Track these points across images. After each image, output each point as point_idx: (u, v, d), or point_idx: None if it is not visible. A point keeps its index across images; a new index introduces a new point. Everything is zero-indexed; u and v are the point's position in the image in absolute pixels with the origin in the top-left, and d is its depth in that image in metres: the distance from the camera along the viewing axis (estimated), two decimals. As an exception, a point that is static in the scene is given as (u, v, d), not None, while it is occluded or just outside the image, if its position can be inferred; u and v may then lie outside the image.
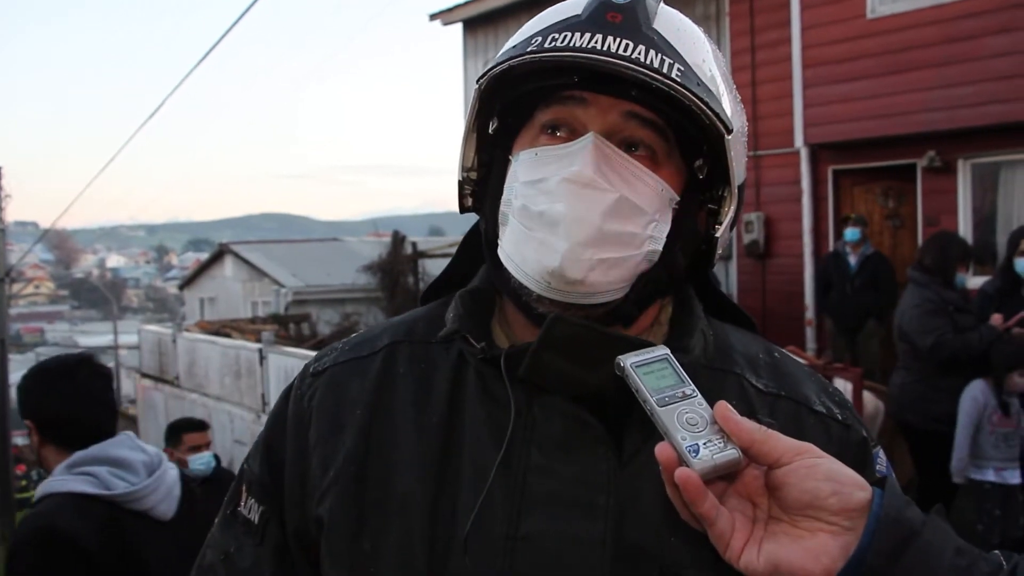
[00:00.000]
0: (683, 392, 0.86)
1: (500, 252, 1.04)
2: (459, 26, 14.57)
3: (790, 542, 0.80)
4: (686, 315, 1.10)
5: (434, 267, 16.42)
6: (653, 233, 1.01)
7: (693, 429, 0.82)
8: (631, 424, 0.98)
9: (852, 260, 8.38)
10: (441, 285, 1.23)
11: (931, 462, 5.34)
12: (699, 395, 0.86)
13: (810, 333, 9.80)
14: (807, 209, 9.93)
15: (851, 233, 8.34)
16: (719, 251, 1.10)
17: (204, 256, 36.73)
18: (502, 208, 1.04)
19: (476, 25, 14.24)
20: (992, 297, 5.29)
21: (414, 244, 16.67)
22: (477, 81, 1.05)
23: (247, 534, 1.15)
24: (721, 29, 11.24)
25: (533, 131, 1.04)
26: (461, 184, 1.12)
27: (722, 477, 0.82)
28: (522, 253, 1.00)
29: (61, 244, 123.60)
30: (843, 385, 5.94)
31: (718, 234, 1.08)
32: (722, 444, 0.81)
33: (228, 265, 24.46)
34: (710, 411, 0.84)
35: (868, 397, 6.15)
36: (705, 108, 0.97)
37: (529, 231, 0.99)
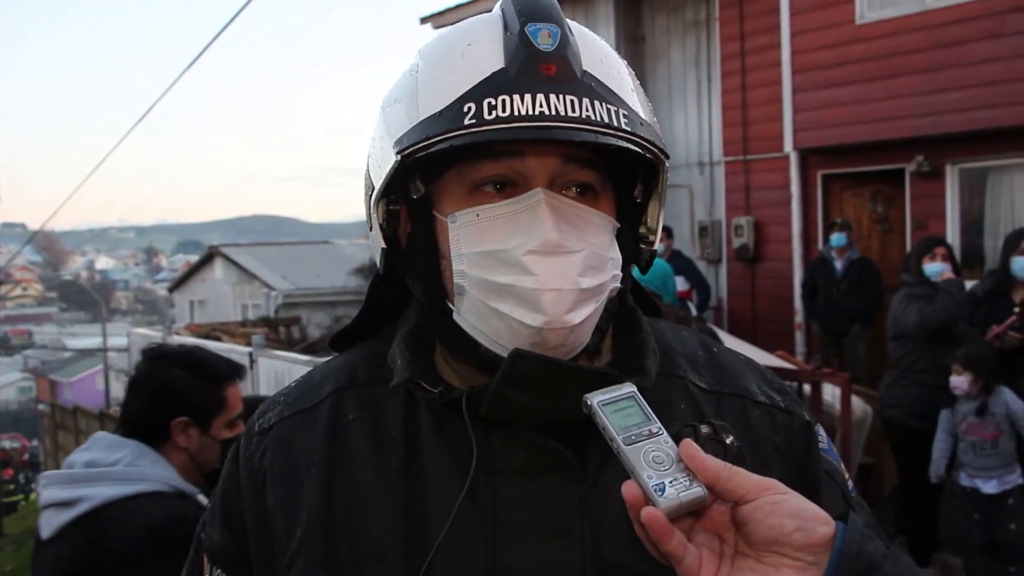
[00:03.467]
0: (649, 430, 0.86)
1: (459, 320, 1.01)
2: (450, 29, 14.57)
3: None
4: (632, 331, 1.09)
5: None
6: (614, 271, 1.01)
7: (659, 467, 0.83)
8: (591, 445, 0.98)
9: (838, 265, 8.43)
10: (355, 331, 1.19)
11: (912, 459, 5.40)
12: (665, 433, 0.87)
13: (799, 337, 9.85)
14: (796, 213, 9.98)
15: (837, 238, 8.40)
16: (652, 258, 1.11)
17: (194, 258, 36.66)
18: (456, 279, 0.99)
19: (467, 29, 14.23)
20: (981, 300, 5.34)
21: (405, 247, 16.64)
22: (400, 152, 0.96)
23: None
24: (711, 34, 11.28)
25: (462, 187, 0.99)
26: (385, 250, 1.06)
27: (689, 513, 0.83)
28: (491, 326, 0.98)
29: (50, 246, 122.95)
30: (831, 390, 5.97)
31: (655, 246, 1.09)
32: (688, 482, 0.82)
33: (218, 268, 24.40)
34: (676, 449, 0.84)
35: (856, 402, 6.18)
36: (652, 148, 0.98)
37: (494, 304, 0.96)
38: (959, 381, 4.89)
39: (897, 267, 8.11)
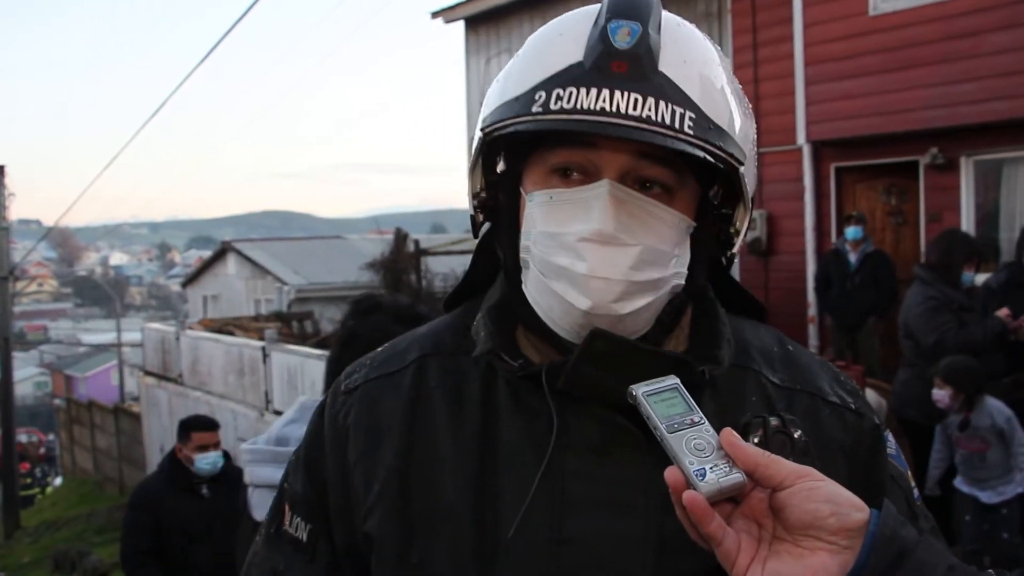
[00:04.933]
0: (691, 419, 0.90)
1: (525, 291, 1.06)
2: (461, 24, 14.57)
3: (792, 560, 0.83)
4: (710, 321, 1.12)
5: (436, 264, 16.41)
6: (677, 269, 1.03)
7: (701, 454, 0.86)
8: None
9: (852, 258, 8.39)
10: (463, 291, 1.25)
11: (926, 456, 5.37)
12: (706, 422, 0.90)
13: (812, 330, 9.82)
14: (809, 206, 9.95)
15: (853, 231, 8.35)
16: (735, 258, 1.13)
17: (207, 254, 36.76)
18: (521, 254, 1.05)
19: (478, 23, 14.24)
20: (995, 292, 5.29)
21: (416, 242, 16.67)
22: (481, 129, 1.05)
23: (296, 552, 1.17)
24: (723, 26, 11.24)
25: (543, 169, 1.04)
26: (473, 217, 1.14)
27: (729, 499, 0.86)
28: (548, 303, 1.03)
29: (64, 242, 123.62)
30: (845, 383, 5.95)
31: (735, 248, 1.11)
32: (728, 468, 0.86)
33: (231, 263, 24.48)
34: (717, 437, 0.88)
35: (870, 395, 6.16)
36: (719, 152, 0.98)
37: (552, 283, 1.01)
38: (940, 395, 4.84)
39: (911, 260, 8.08)
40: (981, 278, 5.65)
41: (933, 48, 8.53)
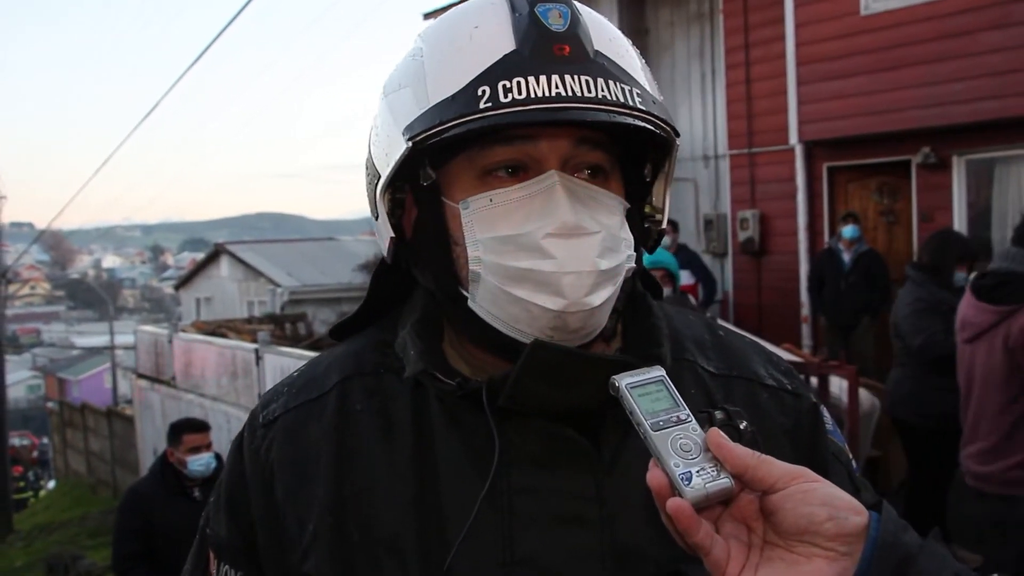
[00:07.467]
0: (678, 417, 0.84)
1: (474, 307, 0.99)
2: (453, 24, 14.57)
3: (786, 568, 0.78)
4: (643, 317, 1.08)
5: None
6: (628, 251, 1.00)
7: (687, 456, 0.81)
8: (605, 432, 0.98)
9: (846, 257, 8.41)
10: (360, 319, 1.17)
11: (923, 459, 5.36)
12: (693, 420, 0.84)
13: (806, 330, 9.82)
14: (802, 206, 9.96)
15: (850, 230, 8.37)
16: (663, 239, 1.11)
17: (200, 256, 36.69)
18: (471, 265, 0.97)
19: (470, 23, 14.23)
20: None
21: (410, 243, 16.65)
22: (411, 138, 0.94)
23: None
24: (715, 26, 11.25)
25: (472, 172, 0.97)
26: (393, 239, 1.04)
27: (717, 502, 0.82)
28: (508, 312, 0.97)
29: (57, 245, 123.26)
30: (839, 383, 5.95)
31: (663, 224, 1.09)
32: (715, 472, 0.80)
33: (224, 265, 24.42)
34: (703, 436, 0.82)
35: (864, 394, 6.16)
36: (665, 125, 0.97)
37: (512, 290, 0.95)
38: None
39: (903, 260, 8.08)
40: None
41: (925, 47, 8.55)
